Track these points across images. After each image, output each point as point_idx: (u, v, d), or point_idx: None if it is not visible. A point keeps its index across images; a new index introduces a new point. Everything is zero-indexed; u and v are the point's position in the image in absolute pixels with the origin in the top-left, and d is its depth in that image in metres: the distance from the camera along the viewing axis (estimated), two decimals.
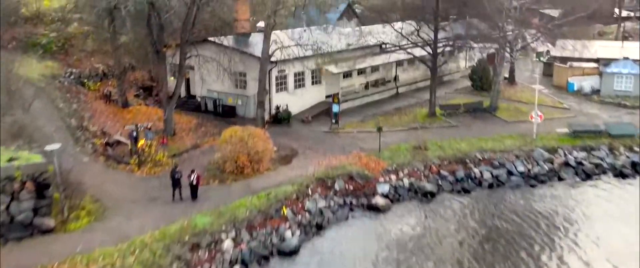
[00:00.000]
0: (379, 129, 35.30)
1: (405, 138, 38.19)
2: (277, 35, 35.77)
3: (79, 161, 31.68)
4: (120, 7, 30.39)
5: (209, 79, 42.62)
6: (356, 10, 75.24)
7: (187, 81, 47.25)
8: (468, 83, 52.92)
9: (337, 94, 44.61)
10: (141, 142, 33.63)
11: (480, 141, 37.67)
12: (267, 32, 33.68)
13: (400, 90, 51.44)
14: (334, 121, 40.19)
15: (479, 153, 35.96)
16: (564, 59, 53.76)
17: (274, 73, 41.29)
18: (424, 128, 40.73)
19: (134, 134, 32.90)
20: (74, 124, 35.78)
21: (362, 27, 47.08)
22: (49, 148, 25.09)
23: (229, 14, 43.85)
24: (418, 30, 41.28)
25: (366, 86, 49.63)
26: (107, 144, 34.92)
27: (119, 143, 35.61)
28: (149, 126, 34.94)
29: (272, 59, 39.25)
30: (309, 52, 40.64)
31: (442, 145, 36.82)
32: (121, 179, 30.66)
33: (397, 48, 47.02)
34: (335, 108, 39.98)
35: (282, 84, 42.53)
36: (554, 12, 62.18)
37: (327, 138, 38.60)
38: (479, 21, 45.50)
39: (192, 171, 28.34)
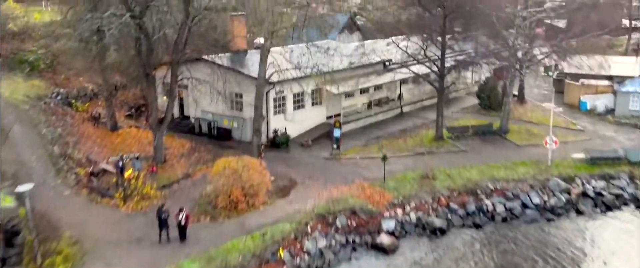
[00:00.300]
0: (384, 159, 32.90)
1: (411, 165, 35.79)
2: (274, 57, 33.44)
3: (60, 195, 29.37)
4: (103, 30, 28.11)
5: (203, 100, 40.40)
6: (358, 21, 73.22)
7: (181, 100, 44.96)
8: (475, 101, 50.55)
9: (339, 116, 42.45)
10: (128, 172, 31.32)
11: (491, 169, 35.26)
12: (263, 55, 31.36)
13: (405, 109, 49.05)
14: (335, 146, 37.80)
15: (490, 183, 33.56)
16: (575, 76, 51.41)
17: (272, 95, 38.95)
18: (430, 153, 38.32)
19: (121, 164, 30.55)
20: (57, 152, 33.45)
21: (365, 43, 44.63)
22: (20, 189, 22.72)
23: (224, 32, 41.55)
24: (425, 50, 38.90)
25: (369, 105, 47.25)
26: (91, 174, 32.54)
27: (105, 172, 33.23)
28: (136, 156, 32.59)
29: (270, 79, 36.95)
30: (309, 71, 38.37)
31: (451, 174, 34.41)
32: (104, 215, 28.25)
33: (402, 66, 44.83)
34: (337, 133, 37.60)
35: (280, 106, 40.18)
36: (560, 23, 60.01)
37: (328, 165, 36.20)
38: (487, 38, 43.11)
39: (180, 210, 25.96)
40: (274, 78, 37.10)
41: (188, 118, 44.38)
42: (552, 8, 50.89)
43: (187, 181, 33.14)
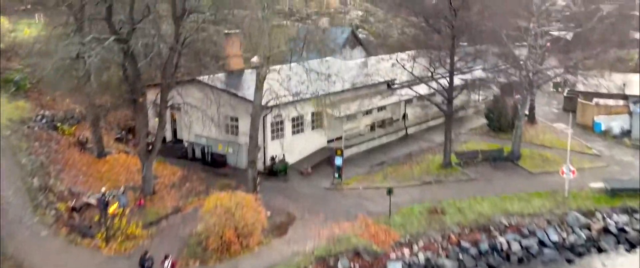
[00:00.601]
0: (390, 192, 30.47)
1: (418, 197, 33.34)
2: (270, 84, 31.07)
3: (36, 235, 26.93)
4: (83, 56, 25.73)
5: (197, 123, 38.07)
6: (360, 34, 71.01)
7: (174, 122, 42.62)
8: (483, 120, 48.11)
9: (340, 140, 40.12)
10: (113, 207, 28.90)
11: (504, 201, 32.81)
12: (259, 83, 28.98)
13: (410, 131, 46.64)
14: (336, 175, 35.36)
15: (504, 218, 31.13)
16: (588, 95, 48.96)
17: (269, 119, 36.56)
18: (438, 182, 35.90)
19: (104, 200, 28.08)
20: (37, 185, 31.00)
21: (369, 61, 42.18)
22: None
23: (218, 51, 39.24)
24: (433, 73, 36.50)
25: (372, 128, 44.83)
26: (73, 209, 30.11)
27: (88, 205, 30.76)
28: (122, 190, 30.19)
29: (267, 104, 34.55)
30: (309, 95, 36.05)
31: (461, 207, 31.97)
32: (83, 260, 25.76)
33: (407, 86, 42.59)
34: (338, 161, 35.15)
35: (278, 131, 37.79)
36: (566, 34, 57.63)
37: (329, 197, 33.77)
38: (497, 57, 40.75)
39: (166, 257, 23.56)
40: (272, 102, 34.77)
41: (181, 141, 42.01)
42: (559, 20, 48.75)
43: (177, 217, 30.66)
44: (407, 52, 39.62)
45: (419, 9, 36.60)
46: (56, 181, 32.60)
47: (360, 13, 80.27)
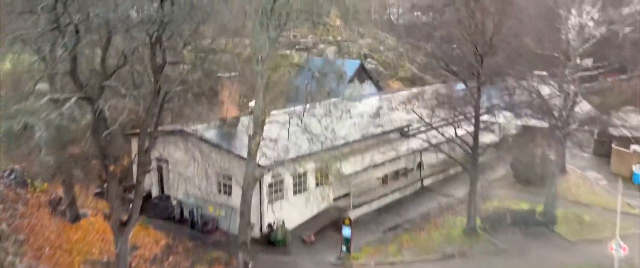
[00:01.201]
0: None
1: None
2: (264, 152, 26.39)
3: None
4: (31, 129, 21.08)
5: (185, 179, 33.33)
6: (369, 64, 66.55)
7: (161, 175, 37.89)
8: (506, 167, 43.02)
9: (348, 196, 35.36)
10: None
11: None
12: (252, 150, 24.18)
13: (426, 182, 41.76)
14: (344, 248, 30.43)
15: None
16: (623, 140, 43.94)
17: (267, 179, 31.80)
18: (463, 254, 30.96)
19: None
20: None
21: (381, 109, 37.36)
22: None
23: (210, 96, 34.58)
24: (456, 129, 31.68)
25: (384, 180, 39.91)
26: None
27: None
28: None
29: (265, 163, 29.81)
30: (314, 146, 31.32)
31: None
32: None
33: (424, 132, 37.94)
34: (346, 232, 30.26)
35: (276, 192, 32.99)
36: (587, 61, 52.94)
37: None
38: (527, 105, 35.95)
39: None
40: (269, 155, 30.01)
41: (169, 198, 37.21)
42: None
43: None
44: (425, 97, 34.81)
45: (440, 53, 31.91)
46: (15, 259, 27.80)
47: (369, 41, 75.70)
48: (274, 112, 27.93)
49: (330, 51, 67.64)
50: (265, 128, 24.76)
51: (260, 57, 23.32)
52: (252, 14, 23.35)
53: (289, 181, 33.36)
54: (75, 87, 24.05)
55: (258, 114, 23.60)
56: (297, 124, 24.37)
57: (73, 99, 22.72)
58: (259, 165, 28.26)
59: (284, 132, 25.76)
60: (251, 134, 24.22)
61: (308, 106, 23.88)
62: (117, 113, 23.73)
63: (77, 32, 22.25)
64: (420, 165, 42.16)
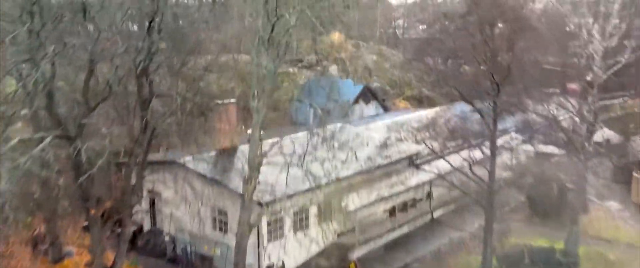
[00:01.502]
0: None
1: None
2: (264, 188, 24.04)
3: None
4: None
5: (178, 213, 31.12)
6: (374, 83, 64.24)
7: (153, 207, 35.53)
8: (521, 197, 40.49)
9: (353, 231, 32.91)
10: None
11: None
12: (247, 197, 21.83)
13: (436, 213, 39.22)
14: None
15: None
16: None
17: (265, 218, 29.35)
18: None
19: None
20: None
21: (388, 139, 35.03)
22: None
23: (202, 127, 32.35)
24: (471, 166, 29.22)
25: (392, 212, 37.36)
26: None
27: None
28: None
29: (261, 199, 27.44)
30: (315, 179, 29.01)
31: None
32: None
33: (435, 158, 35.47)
34: None
35: (276, 230, 30.50)
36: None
37: None
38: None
39: None
40: (267, 198, 27.70)
41: (162, 233, 34.82)
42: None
43: None
44: (436, 129, 32.40)
45: (453, 82, 29.55)
46: None
47: (374, 58, 73.35)
48: (271, 152, 25.32)
49: (334, 69, 65.36)
50: (262, 168, 22.39)
51: (256, 92, 20.97)
52: (248, 45, 21.07)
53: (288, 219, 30.90)
54: (53, 124, 21.83)
55: (253, 157, 21.22)
56: (297, 166, 21.94)
57: (48, 139, 20.41)
58: (258, 203, 25.99)
59: (282, 176, 23.34)
60: (246, 177, 21.83)
61: (309, 149, 21.65)
62: (95, 155, 21.34)
63: (52, 64, 20.02)
64: (429, 195, 39.62)
